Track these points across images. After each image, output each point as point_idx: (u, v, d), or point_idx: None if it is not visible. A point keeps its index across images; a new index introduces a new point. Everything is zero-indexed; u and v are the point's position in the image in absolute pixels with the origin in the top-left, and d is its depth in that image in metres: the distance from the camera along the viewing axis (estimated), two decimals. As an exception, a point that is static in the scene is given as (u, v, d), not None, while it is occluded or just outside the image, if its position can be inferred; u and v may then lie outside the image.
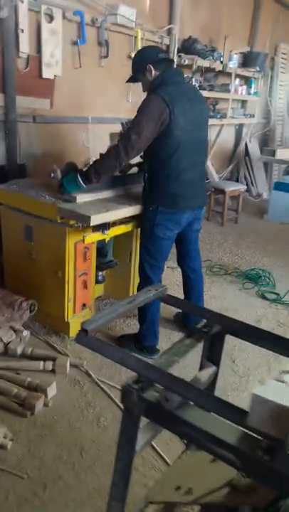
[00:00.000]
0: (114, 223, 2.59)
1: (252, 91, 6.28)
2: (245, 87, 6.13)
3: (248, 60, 6.07)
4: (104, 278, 3.16)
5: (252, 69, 5.96)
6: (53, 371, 2.49)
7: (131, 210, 2.56)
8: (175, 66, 2.43)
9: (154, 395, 1.06)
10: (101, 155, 2.46)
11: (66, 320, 2.77)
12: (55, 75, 3.63)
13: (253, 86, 6.26)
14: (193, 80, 4.85)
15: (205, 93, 5.20)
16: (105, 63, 4.14)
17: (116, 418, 2.20)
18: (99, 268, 2.96)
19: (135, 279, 3.25)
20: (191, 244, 2.74)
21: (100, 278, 3.08)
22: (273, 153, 5.70)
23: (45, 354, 2.60)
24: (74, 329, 2.85)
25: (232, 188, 5.39)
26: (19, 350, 2.59)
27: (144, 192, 2.54)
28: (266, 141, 7.78)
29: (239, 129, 6.90)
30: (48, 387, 2.28)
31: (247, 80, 6.35)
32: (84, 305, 2.82)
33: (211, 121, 5.60)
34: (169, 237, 2.52)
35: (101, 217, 2.36)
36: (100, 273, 3.06)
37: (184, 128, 2.29)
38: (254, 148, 7.30)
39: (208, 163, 6.16)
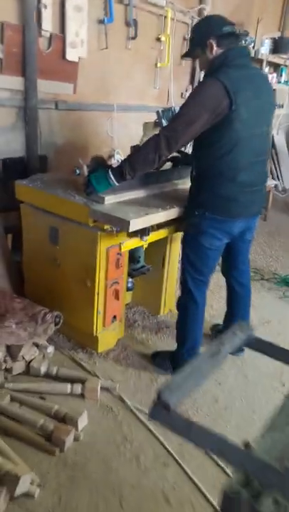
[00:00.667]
0: (151, 228, 2.25)
1: (282, 79, 5.86)
2: (275, 75, 5.72)
3: (278, 45, 5.63)
4: (134, 285, 2.84)
5: (284, 55, 5.54)
6: (82, 395, 2.18)
7: (172, 212, 2.22)
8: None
9: (273, 509, 0.73)
10: (136, 148, 2.11)
11: (95, 334, 2.45)
12: (79, 57, 3.27)
13: (283, 74, 5.85)
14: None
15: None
16: (132, 45, 3.77)
17: (157, 457, 1.89)
18: (130, 275, 2.64)
19: (168, 287, 2.93)
20: (241, 255, 2.40)
21: (129, 285, 2.75)
22: (306, 146, 5.29)
23: (73, 375, 2.29)
24: (103, 344, 2.54)
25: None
26: (43, 370, 2.29)
27: (190, 193, 2.20)
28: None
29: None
30: (79, 418, 1.97)
31: (276, 68, 5.93)
32: (114, 317, 2.50)
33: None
34: (216, 248, 2.18)
35: (141, 222, 2.02)
36: (130, 279, 2.73)
37: (246, 121, 1.93)
38: (281, 140, 6.89)
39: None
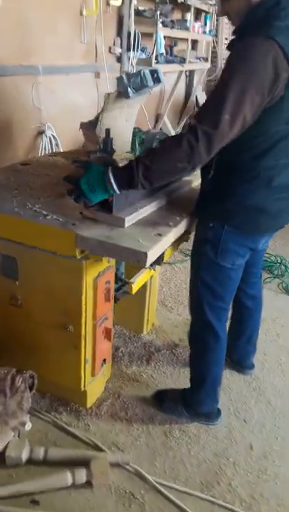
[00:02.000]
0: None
1: (207, 29, 5.31)
2: (199, 23, 5.14)
3: (200, -11, 5.03)
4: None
5: (209, 1, 4.96)
6: (88, 483, 1.61)
7: (183, 226, 1.64)
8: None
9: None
10: (156, 148, 1.43)
11: (83, 389, 1.85)
12: (-10, 2, 2.39)
13: (208, 23, 5.29)
14: (158, 14, 3.77)
15: (166, 32, 4.18)
16: (53, -14, 2.92)
17: None
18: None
19: (151, 300, 2.39)
20: (254, 266, 1.91)
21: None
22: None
23: (67, 455, 1.69)
24: (92, 396, 1.96)
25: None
26: (24, 456, 1.66)
27: (202, 199, 1.62)
28: (211, 89, 6.95)
29: (190, 75, 5.94)
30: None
31: (198, 16, 5.34)
32: (104, 360, 1.91)
33: (169, 68, 4.61)
34: (238, 266, 1.67)
35: (158, 249, 1.42)
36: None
37: None
38: (203, 97, 6.43)
39: (165, 117, 5.22)
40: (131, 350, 2.32)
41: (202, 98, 6.39)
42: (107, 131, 1.83)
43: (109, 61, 3.70)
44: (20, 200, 1.64)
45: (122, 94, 2.10)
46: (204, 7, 5.04)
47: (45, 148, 3.16)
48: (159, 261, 1.53)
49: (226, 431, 1.90)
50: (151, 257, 1.35)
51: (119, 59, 3.92)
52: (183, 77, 5.81)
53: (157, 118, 5.20)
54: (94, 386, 1.94)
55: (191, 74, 5.91)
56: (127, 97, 2.07)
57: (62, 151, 3.23)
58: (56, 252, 1.53)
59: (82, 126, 2.37)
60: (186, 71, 5.67)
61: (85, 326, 1.70)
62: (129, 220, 1.49)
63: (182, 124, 6.03)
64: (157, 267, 1.88)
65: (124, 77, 2.04)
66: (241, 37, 1.35)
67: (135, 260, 1.35)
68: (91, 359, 1.81)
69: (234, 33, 1.48)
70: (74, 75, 3.34)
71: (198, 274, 1.67)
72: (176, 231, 1.56)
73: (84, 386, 1.84)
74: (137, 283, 1.58)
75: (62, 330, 1.72)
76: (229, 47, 1.47)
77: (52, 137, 3.16)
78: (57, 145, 3.23)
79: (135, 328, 2.44)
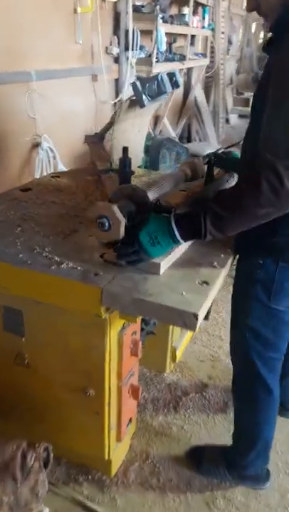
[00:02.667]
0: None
1: (206, 23, 5.01)
2: (198, 18, 4.84)
3: (198, -19, 4.73)
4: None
5: (208, -7, 4.66)
6: None
7: (228, 267, 1.34)
8: None
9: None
10: (226, 191, 1.14)
11: (107, 458, 1.55)
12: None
13: (206, 16, 4.99)
14: (157, 8, 3.46)
15: (166, 28, 3.88)
16: (44, -19, 2.60)
17: None
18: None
19: (174, 334, 2.08)
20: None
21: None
22: (248, 102, 4.58)
23: None
24: (117, 462, 1.66)
25: (208, 151, 4.24)
26: None
27: (245, 231, 1.32)
28: (208, 87, 6.66)
29: (188, 73, 5.64)
30: None
31: (196, 9, 5.04)
32: (130, 420, 1.62)
33: (170, 66, 4.30)
34: None
35: (207, 303, 1.12)
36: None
37: None
38: (202, 96, 6.14)
39: (165, 119, 4.91)
40: (154, 395, 2.02)
41: (201, 97, 6.10)
42: (125, 150, 1.52)
43: (106, 62, 3.39)
44: (25, 242, 1.33)
45: (135, 102, 1.81)
46: (203, 0, 4.74)
47: (41, 161, 2.85)
48: (207, 316, 1.24)
49: (279, 496, 1.62)
50: (201, 315, 1.05)
51: (116, 59, 3.61)
52: (181, 74, 5.51)
53: (156, 120, 4.89)
54: (119, 450, 1.64)
55: (189, 71, 5.61)
56: (142, 105, 1.77)
57: (60, 164, 2.93)
58: (75, 309, 1.22)
59: (88, 140, 2.07)
60: (184, 69, 5.37)
61: (109, 389, 1.40)
62: (165, 264, 1.19)
63: (182, 123, 5.74)
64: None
65: (138, 83, 1.74)
66: (282, 35, 1.07)
67: (181, 323, 1.05)
68: (116, 424, 1.52)
69: (270, 30, 1.19)
70: (70, 80, 3.03)
71: (246, 322, 1.37)
72: (224, 273, 1.26)
73: (108, 455, 1.54)
74: (181, 348, 1.28)
75: (80, 393, 1.42)
76: (269, 49, 1.19)
77: (49, 149, 2.85)
78: (54, 158, 2.92)
79: (157, 367, 2.14)
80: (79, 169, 2.02)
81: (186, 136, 5.96)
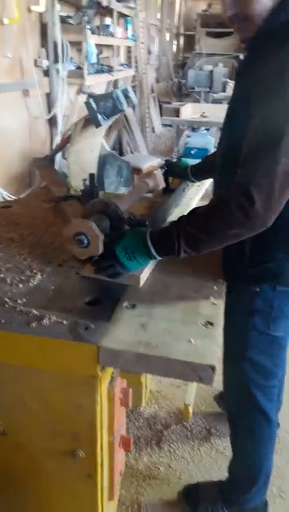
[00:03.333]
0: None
1: (129, 34, 4.97)
2: (121, 28, 4.78)
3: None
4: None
5: (131, 4, 4.62)
6: None
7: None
8: None
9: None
10: (200, 210, 1.07)
11: (100, 520, 1.39)
12: None
13: (129, 27, 4.95)
14: (85, 19, 3.33)
15: (96, 39, 3.76)
16: None
17: None
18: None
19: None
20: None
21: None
22: (178, 112, 4.60)
23: None
24: (109, 519, 1.49)
25: (148, 163, 4.21)
26: None
27: (236, 258, 1.23)
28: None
29: (114, 84, 5.55)
30: None
31: (119, 20, 4.98)
32: (120, 473, 1.47)
33: (100, 78, 4.20)
34: None
35: (217, 349, 1.01)
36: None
37: None
38: (129, 109, 6.09)
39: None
40: (135, 433, 1.88)
41: (129, 110, 6.05)
42: (92, 177, 1.37)
43: (36, 76, 3.19)
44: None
45: (89, 121, 1.67)
46: (126, 11, 4.68)
47: (-23, 186, 2.59)
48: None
49: None
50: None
51: (46, 72, 3.42)
52: (104, 85, 5.43)
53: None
54: (110, 508, 1.48)
55: (115, 83, 5.53)
56: (98, 125, 1.64)
57: (5, 193, 2.69)
58: (63, 371, 1.05)
59: (37, 164, 1.89)
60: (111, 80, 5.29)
61: (101, 447, 1.24)
62: (144, 276, 1.19)
63: (113, 135, 5.64)
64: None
65: (92, 102, 1.60)
66: (262, 50, 1.03)
67: (196, 377, 0.93)
68: (108, 482, 1.36)
69: (246, 43, 1.14)
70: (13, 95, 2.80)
71: (244, 354, 1.29)
72: (223, 307, 1.16)
73: (101, 517, 1.37)
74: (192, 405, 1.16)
75: (68, 457, 1.24)
76: (244, 66, 1.13)
77: (-16, 172, 2.60)
78: (-9, 181, 2.67)
79: (133, 402, 2.00)
80: (30, 195, 1.83)
81: (118, 148, 5.87)
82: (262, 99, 1.00)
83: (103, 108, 1.63)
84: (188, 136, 5.41)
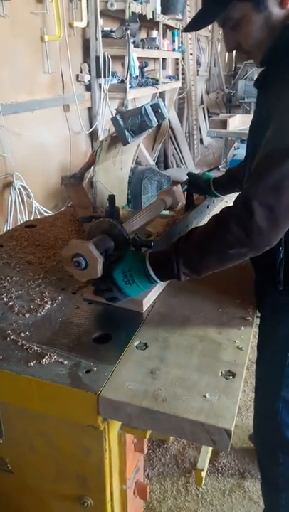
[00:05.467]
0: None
1: (176, 46, 4.90)
2: (167, 41, 4.72)
3: (166, 4, 4.61)
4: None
5: (177, 16, 4.55)
6: None
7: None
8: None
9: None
10: (199, 229, 0.97)
11: None
12: None
13: (176, 39, 4.88)
14: (128, 33, 3.29)
15: (139, 52, 3.72)
16: (8, 8, 2.38)
17: None
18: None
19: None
20: None
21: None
22: (225, 124, 4.45)
23: None
24: None
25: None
26: None
27: (273, 286, 1.08)
28: (180, 109, 6.56)
29: (160, 96, 5.49)
30: None
31: (165, 32, 4.93)
32: (136, 520, 1.34)
33: (144, 92, 4.15)
34: None
35: (236, 405, 0.87)
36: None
37: None
38: (175, 118, 6.01)
39: (141, 145, 4.72)
40: (160, 471, 1.74)
41: (175, 119, 5.98)
42: (112, 198, 1.28)
43: (77, 91, 3.19)
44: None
45: (116, 139, 1.58)
46: (172, 23, 4.62)
47: (14, 202, 2.59)
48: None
49: None
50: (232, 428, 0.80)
51: (88, 87, 3.41)
52: (150, 98, 5.38)
53: (132, 146, 4.70)
54: None
55: (161, 95, 5.47)
56: (125, 143, 1.54)
57: (36, 203, 2.67)
58: (62, 417, 0.95)
59: (65, 181, 1.83)
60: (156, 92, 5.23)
61: (111, 495, 1.13)
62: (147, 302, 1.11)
63: (157, 148, 5.57)
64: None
65: (119, 118, 1.51)
66: (282, 64, 0.96)
67: (208, 441, 0.79)
68: (122, 533, 1.23)
69: (262, 64, 1.06)
70: (40, 111, 2.80)
71: (280, 393, 1.13)
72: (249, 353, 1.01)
73: None
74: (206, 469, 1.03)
75: (76, 504, 1.14)
76: (262, 85, 1.06)
77: (22, 188, 2.60)
78: (28, 196, 2.66)
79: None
80: (57, 215, 1.77)
81: (163, 161, 5.79)
82: (278, 114, 0.92)
83: (131, 124, 1.54)
84: (237, 148, 5.23)
